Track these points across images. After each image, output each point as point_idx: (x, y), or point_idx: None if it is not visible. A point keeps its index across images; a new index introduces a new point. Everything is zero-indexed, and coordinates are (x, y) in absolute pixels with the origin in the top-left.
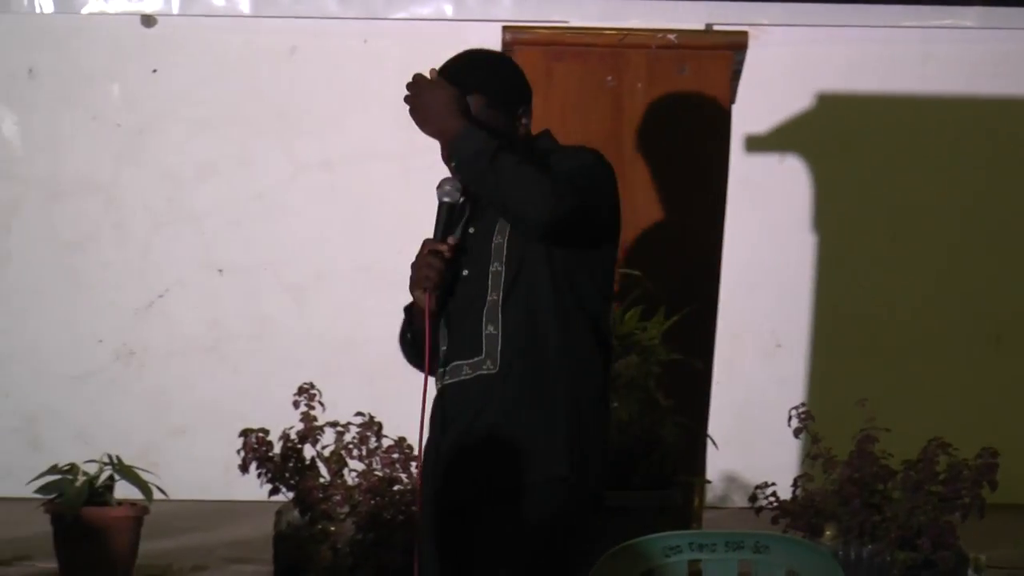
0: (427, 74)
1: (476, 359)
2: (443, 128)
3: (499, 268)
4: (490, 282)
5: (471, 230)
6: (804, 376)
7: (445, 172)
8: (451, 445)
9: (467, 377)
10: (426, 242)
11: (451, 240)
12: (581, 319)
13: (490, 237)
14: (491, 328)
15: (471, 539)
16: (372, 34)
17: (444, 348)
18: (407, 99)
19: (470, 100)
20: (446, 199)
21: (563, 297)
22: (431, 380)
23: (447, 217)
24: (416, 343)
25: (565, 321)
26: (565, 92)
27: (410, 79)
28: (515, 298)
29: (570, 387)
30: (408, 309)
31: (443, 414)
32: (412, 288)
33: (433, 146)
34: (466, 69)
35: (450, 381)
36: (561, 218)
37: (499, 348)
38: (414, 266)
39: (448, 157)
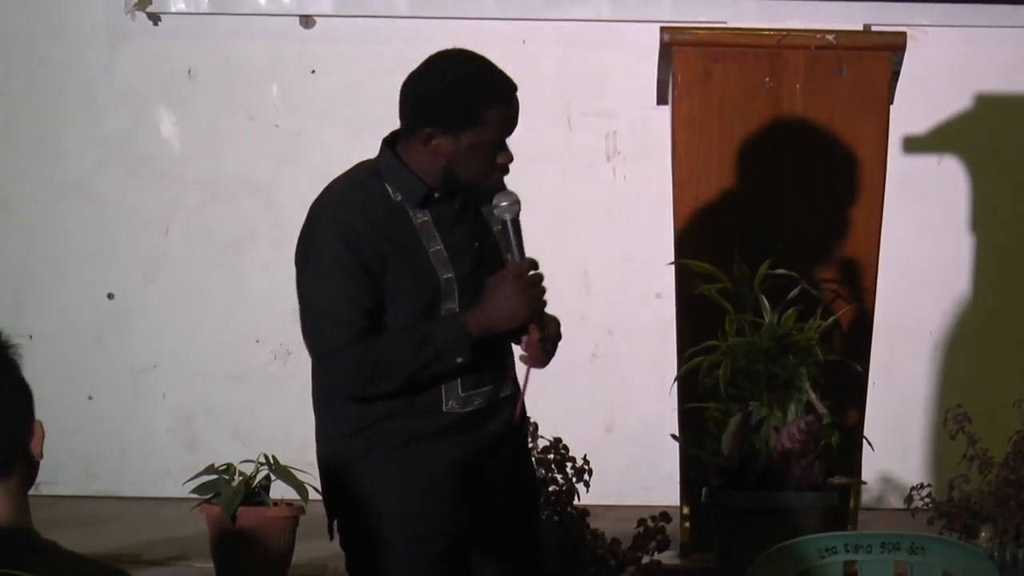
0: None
1: (502, 382)
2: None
3: None
4: None
5: (476, 244)
6: (961, 377)
7: (601, 176)
8: (508, 467)
9: (498, 398)
10: (516, 266)
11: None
12: None
13: (498, 252)
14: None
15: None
16: (530, 35)
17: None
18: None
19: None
20: (507, 216)
21: None
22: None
23: (516, 232)
24: (436, 380)
25: None
26: (723, 93)
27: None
28: None
29: None
30: (468, 339)
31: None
32: (522, 317)
33: (592, 148)
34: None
35: (481, 405)
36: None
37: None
38: (516, 294)
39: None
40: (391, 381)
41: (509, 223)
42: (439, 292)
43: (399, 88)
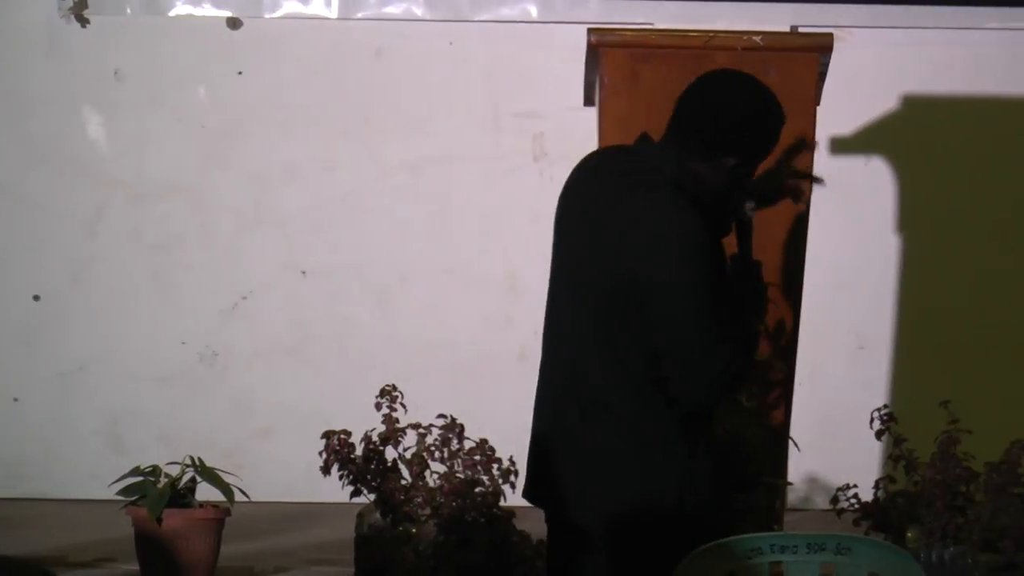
0: None
1: None
2: None
3: None
4: None
5: None
6: (887, 378)
7: (528, 177)
8: None
9: None
10: (757, 263)
11: None
12: None
13: None
14: None
15: None
16: (458, 36)
17: None
18: None
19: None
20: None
21: None
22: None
23: None
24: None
25: None
26: (651, 94)
27: None
28: None
29: None
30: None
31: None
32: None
33: (519, 149)
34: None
35: None
36: None
37: None
38: (762, 292)
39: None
40: None
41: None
42: None
43: (325, 88)
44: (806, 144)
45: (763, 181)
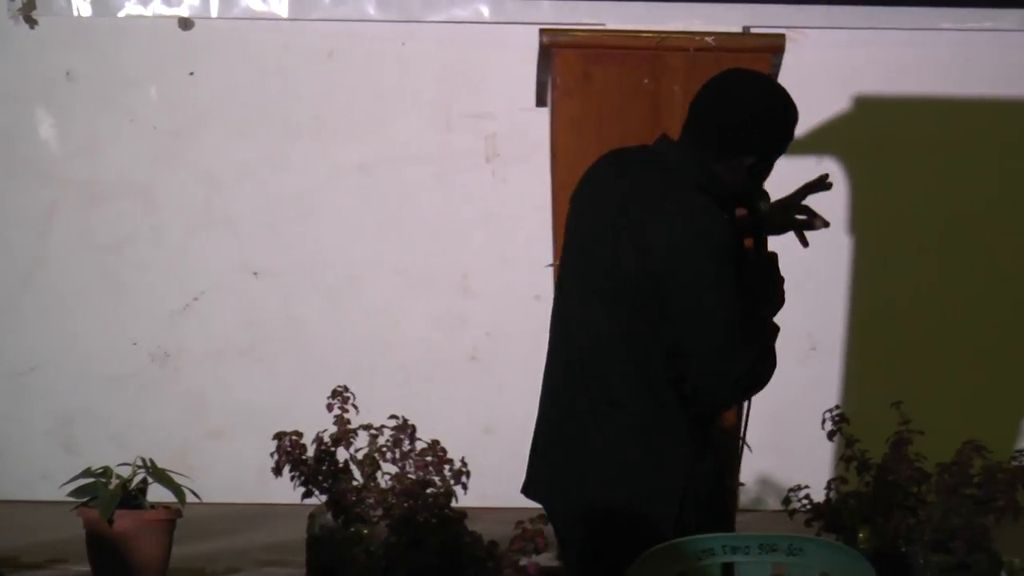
0: None
1: None
2: None
3: None
4: None
5: None
6: (839, 379)
7: (480, 177)
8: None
9: None
10: (773, 256)
11: None
12: None
13: None
14: None
15: None
16: (409, 37)
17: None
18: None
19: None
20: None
21: None
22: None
23: None
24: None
25: None
26: (603, 94)
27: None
28: None
29: None
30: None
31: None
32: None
33: (472, 150)
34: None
35: None
36: None
37: None
38: (779, 286)
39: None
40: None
41: None
42: None
43: (277, 89)
44: (826, 183)
45: (776, 212)
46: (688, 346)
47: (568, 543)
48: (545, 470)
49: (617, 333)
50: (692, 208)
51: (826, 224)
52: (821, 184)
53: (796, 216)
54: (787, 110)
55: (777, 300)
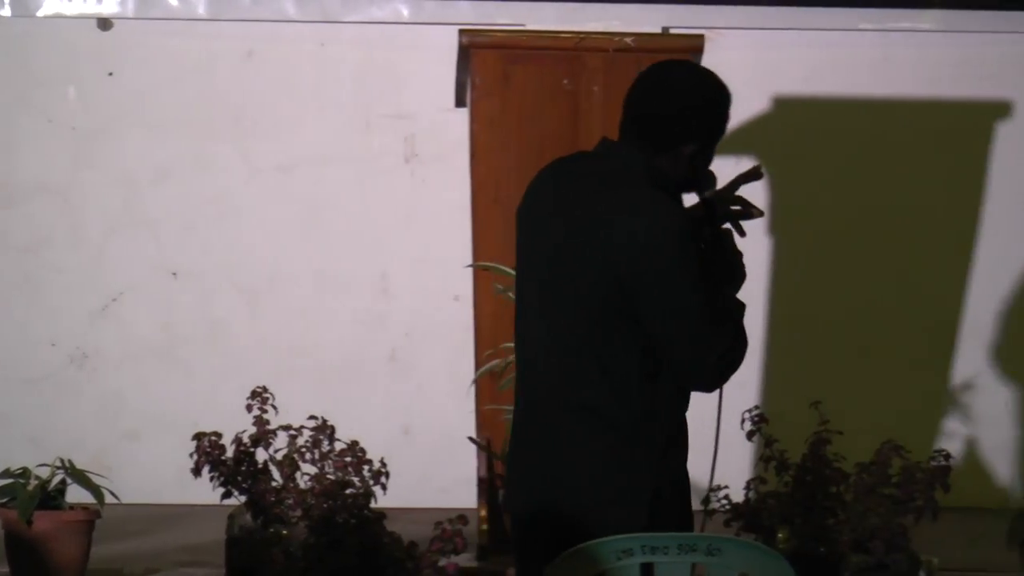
0: None
1: None
2: None
3: None
4: None
5: None
6: (758, 378)
7: (399, 178)
8: None
9: None
10: (728, 234)
11: None
12: None
13: None
14: None
15: None
16: (328, 37)
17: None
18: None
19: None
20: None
21: None
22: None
23: None
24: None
25: None
26: (522, 95)
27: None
28: None
29: None
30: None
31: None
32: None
33: (391, 150)
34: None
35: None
36: None
37: None
38: (738, 262)
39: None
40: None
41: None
42: None
43: (196, 89)
44: (759, 173)
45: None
46: (662, 339)
47: (531, 550)
48: (515, 478)
49: (589, 339)
50: (647, 203)
51: (761, 213)
52: (754, 174)
53: (732, 207)
54: (720, 94)
55: (740, 275)
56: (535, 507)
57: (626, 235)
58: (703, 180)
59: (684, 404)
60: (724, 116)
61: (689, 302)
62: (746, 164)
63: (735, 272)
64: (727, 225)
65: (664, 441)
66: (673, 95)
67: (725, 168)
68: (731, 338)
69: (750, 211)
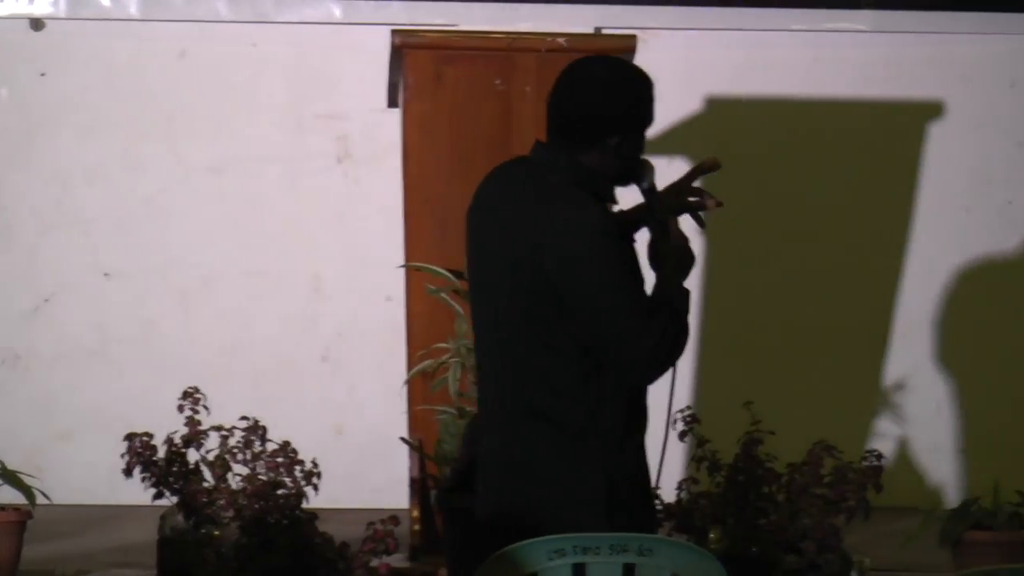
0: None
1: None
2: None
3: None
4: None
5: None
6: (690, 378)
7: (331, 178)
8: None
9: None
10: (671, 221)
11: None
12: None
13: None
14: None
15: None
16: (261, 37)
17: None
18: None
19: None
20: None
21: None
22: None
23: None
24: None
25: None
26: (454, 95)
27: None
28: None
29: None
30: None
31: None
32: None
33: (323, 151)
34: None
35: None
36: None
37: None
38: (683, 247)
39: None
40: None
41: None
42: None
43: (128, 89)
44: (716, 164)
45: (669, 195)
46: (596, 336)
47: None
48: (480, 486)
49: (524, 342)
50: (566, 208)
51: (719, 204)
52: (711, 166)
53: (689, 199)
54: (636, 82)
55: (687, 261)
56: (497, 513)
57: (548, 238)
58: (638, 171)
59: (638, 398)
60: (644, 103)
61: (612, 299)
62: (678, 164)
63: (682, 258)
64: (686, 216)
65: (616, 438)
66: (587, 89)
67: (656, 167)
68: (663, 329)
69: (706, 203)
